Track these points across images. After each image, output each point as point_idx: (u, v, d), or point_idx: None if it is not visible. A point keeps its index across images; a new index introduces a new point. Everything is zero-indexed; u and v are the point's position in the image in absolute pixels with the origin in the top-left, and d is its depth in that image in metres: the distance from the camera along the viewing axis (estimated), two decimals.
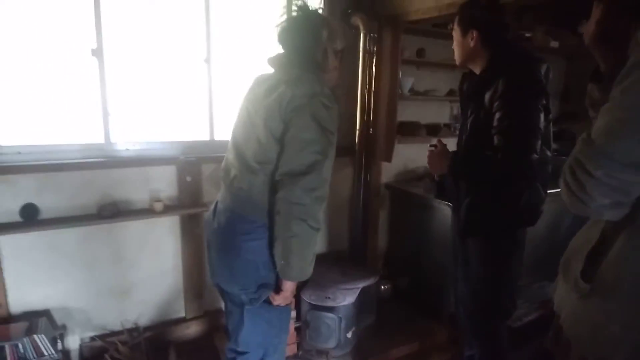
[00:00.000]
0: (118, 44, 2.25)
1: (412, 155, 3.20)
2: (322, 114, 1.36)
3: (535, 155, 1.52)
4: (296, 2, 1.48)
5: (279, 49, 1.52)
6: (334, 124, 1.40)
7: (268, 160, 1.42)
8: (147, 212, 2.32)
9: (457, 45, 1.79)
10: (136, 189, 2.33)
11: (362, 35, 2.68)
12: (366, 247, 3.02)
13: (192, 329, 2.53)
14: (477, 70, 1.77)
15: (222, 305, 2.66)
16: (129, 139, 2.35)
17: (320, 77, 1.43)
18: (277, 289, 1.47)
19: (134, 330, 2.34)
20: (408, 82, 2.88)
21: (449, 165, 1.70)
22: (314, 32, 1.44)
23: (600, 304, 0.83)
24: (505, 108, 1.54)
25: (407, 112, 3.04)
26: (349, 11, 2.72)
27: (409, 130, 2.95)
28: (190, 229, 2.48)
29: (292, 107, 1.36)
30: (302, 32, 1.44)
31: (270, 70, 1.55)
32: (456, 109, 3.33)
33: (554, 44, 3.47)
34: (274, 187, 1.41)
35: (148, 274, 2.42)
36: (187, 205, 2.43)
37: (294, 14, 1.47)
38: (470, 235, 1.82)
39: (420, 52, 2.93)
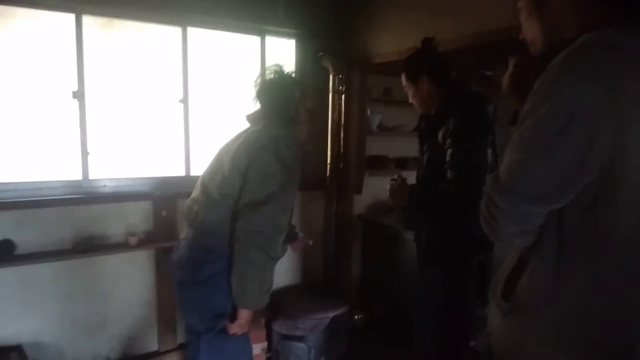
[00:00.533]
0: (98, 85, 2.39)
1: (382, 187, 3.32)
2: (284, 152, 1.52)
3: (484, 188, 1.65)
4: (274, 66, 1.74)
5: (256, 106, 1.73)
6: (295, 163, 1.56)
7: (231, 193, 1.55)
8: (122, 246, 2.38)
9: (413, 96, 1.93)
10: (112, 223, 2.40)
11: (331, 76, 2.86)
12: (339, 277, 3.10)
13: None
14: (433, 111, 1.93)
15: None
16: (106, 176, 2.44)
17: (288, 128, 1.64)
18: (233, 318, 1.54)
19: None
20: (376, 118, 3.06)
21: (408, 198, 1.82)
22: (288, 91, 1.68)
23: (517, 321, 0.93)
24: (456, 145, 1.68)
25: (377, 147, 3.20)
26: (320, 54, 2.91)
27: (378, 164, 3.10)
28: (165, 262, 2.54)
29: (257, 146, 1.53)
30: (277, 91, 1.67)
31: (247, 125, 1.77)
32: None
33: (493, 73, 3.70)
34: (235, 218, 1.52)
35: (122, 308, 2.46)
36: (162, 239, 2.50)
37: (271, 75, 1.72)
38: (428, 264, 1.93)
39: (387, 91, 3.12)
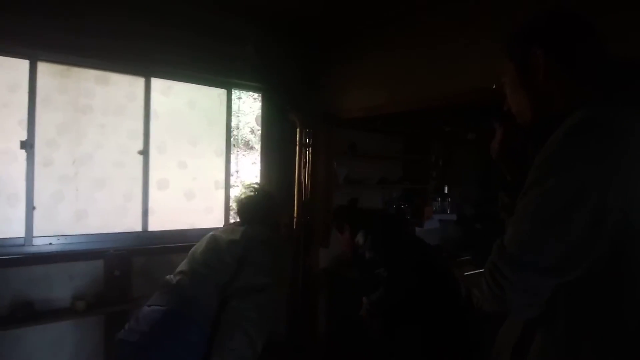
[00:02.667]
0: (49, 134, 2.22)
1: None
2: (279, 252, 1.70)
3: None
4: (253, 184, 2.03)
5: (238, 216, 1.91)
6: (287, 265, 1.63)
7: (222, 270, 1.55)
8: (67, 312, 2.13)
9: (345, 243, 2.32)
10: (57, 286, 2.16)
11: (298, 130, 2.86)
12: (307, 334, 2.95)
13: None
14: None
15: None
16: (53, 232, 2.22)
17: (271, 231, 1.80)
18: None
19: None
20: (342, 171, 3.06)
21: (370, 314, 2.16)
22: (265, 207, 1.87)
23: None
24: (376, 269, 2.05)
25: (343, 200, 3.18)
26: (287, 107, 2.91)
27: None
28: (116, 328, 2.28)
29: (256, 240, 1.64)
30: (258, 206, 1.86)
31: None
32: (387, 195, 3.55)
33: (471, 135, 3.89)
34: (223, 299, 1.46)
35: None
36: (113, 302, 2.27)
37: (251, 193, 1.93)
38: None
39: (352, 147, 3.16)
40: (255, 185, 2.03)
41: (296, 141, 2.88)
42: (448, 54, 2.19)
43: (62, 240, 2.23)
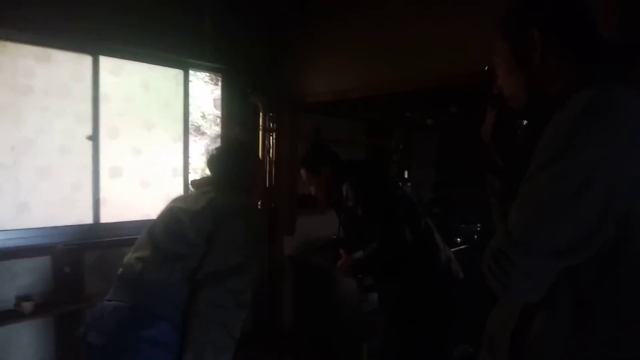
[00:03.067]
0: None
1: (314, 226, 3.24)
2: (253, 223, 1.41)
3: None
4: (229, 133, 1.68)
5: (208, 171, 1.59)
6: (263, 236, 1.47)
7: (189, 255, 1.34)
8: (11, 315, 1.93)
9: (320, 188, 2.02)
10: None
11: (261, 114, 2.75)
12: (272, 326, 2.89)
13: None
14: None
15: None
16: None
17: (246, 197, 1.52)
18: None
19: None
20: None
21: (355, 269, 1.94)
22: (243, 161, 1.58)
23: None
24: (370, 224, 1.82)
25: (304, 185, 3.12)
26: (248, 90, 2.79)
27: (311, 203, 3.01)
28: (69, 330, 2.12)
29: (226, 212, 1.39)
30: (232, 160, 1.56)
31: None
32: None
33: (429, 121, 3.96)
34: (192, 288, 1.31)
35: None
36: (64, 301, 2.09)
37: (225, 143, 1.68)
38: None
39: (317, 131, 3.09)
40: (231, 137, 1.78)
41: (259, 126, 2.77)
42: (417, 37, 2.17)
43: (2, 236, 2.00)
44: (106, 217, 2.35)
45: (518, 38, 0.92)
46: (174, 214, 1.47)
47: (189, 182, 1.67)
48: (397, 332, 1.90)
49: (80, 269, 2.17)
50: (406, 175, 3.95)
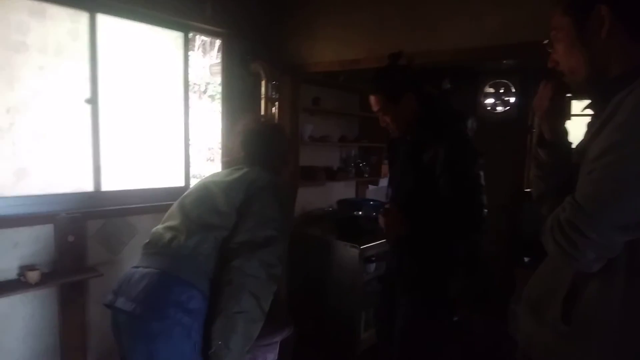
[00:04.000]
0: None
1: (310, 198, 3.26)
2: (283, 199, 1.45)
3: (485, 210, 1.64)
4: (261, 116, 1.79)
5: (240, 150, 1.63)
6: (292, 212, 1.52)
7: (222, 225, 1.36)
8: (15, 284, 1.85)
9: (394, 116, 1.75)
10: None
11: (263, 82, 2.69)
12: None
13: None
14: (409, 132, 1.78)
15: None
16: None
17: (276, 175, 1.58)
18: None
19: None
20: (307, 128, 2.97)
21: (407, 228, 1.70)
22: (276, 144, 1.64)
23: (579, 343, 0.94)
24: (452, 177, 1.62)
25: (306, 157, 3.11)
26: (249, 57, 2.71)
27: (310, 175, 3.02)
28: (73, 299, 2.06)
29: (257, 185, 1.43)
30: (265, 143, 1.61)
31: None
32: (345, 153, 3.55)
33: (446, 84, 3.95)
34: (225, 257, 1.31)
35: None
36: (69, 271, 2.02)
37: (260, 125, 1.69)
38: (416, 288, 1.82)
39: (316, 101, 3.06)
40: (266, 119, 1.80)
41: (260, 94, 2.71)
42: (430, 8, 2.17)
43: (1, 203, 1.90)
44: (107, 185, 2.26)
45: (584, 14, 0.94)
46: (206, 186, 1.49)
47: (221, 162, 1.68)
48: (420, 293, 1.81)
49: (84, 238, 2.10)
50: None
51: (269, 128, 1.70)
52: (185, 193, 1.54)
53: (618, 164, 0.82)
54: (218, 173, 1.60)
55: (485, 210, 1.65)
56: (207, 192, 1.46)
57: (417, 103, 1.73)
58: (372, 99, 1.76)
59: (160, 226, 1.46)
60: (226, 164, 1.63)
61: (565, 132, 1.06)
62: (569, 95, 1.05)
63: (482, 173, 1.67)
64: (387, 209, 1.76)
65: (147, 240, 1.44)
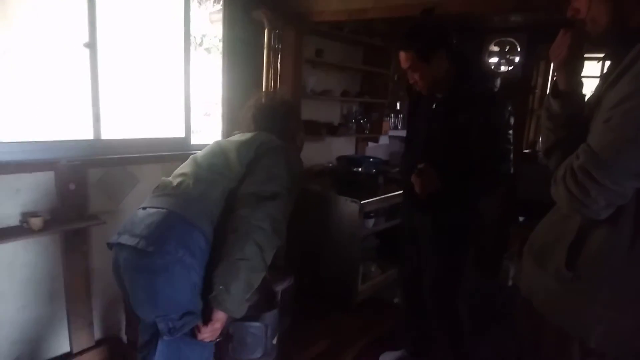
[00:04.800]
0: None
1: (310, 153, 3.23)
2: (293, 162, 1.47)
3: (511, 168, 1.72)
4: (269, 92, 1.77)
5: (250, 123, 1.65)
6: (298, 179, 1.50)
7: (231, 175, 1.40)
8: (18, 230, 1.85)
9: (424, 74, 1.71)
10: (1, 202, 1.84)
11: (266, 31, 2.59)
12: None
13: None
14: (441, 91, 1.77)
15: (119, 330, 2.32)
16: None
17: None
18: (206, 320, 1.29)
19: None
20: (310, 81, 2.91)
21: (441, 187, 1.73)
22: (286, 119, 1.65)
23: (583, 288, 0.97)
24: (488, 136, 1.67)
25: (307, 112, 3.07)
26: (252, 4, 2.60)
27: (311, 129, 2.98)
28: (75, 246, 2.07)
29: (267, 147, 1.46)
30: (278, 118, 1.63)
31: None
32: (346, 108, 3.50)
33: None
34: (231, 206, 1.33)
35: (21, 307, 1.94)
36: (71, 218, 2.01)
37: (271, 101, 1.70)
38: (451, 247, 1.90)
39: (319, 53, 2.98)
40: (277, 95, 1.83)
41: (264, 44, 2.62)
42: None
43: (0, 149, 1.86)
44: (107, 134, 2.21)
45: None
46: (218, 143, 1.54)
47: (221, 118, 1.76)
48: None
49: (85, 187, 2.08)
50: (398, 107, 3.96)
51: (281, 104, 1.69)
52: (198, 153, 1.56)
53: (635, 111, 0.81)
54: (232, 135, 1.62)
55: (512, 170, 1.72)
56: (219, 147, 1.50)
57: (449, 61, 1.69)
58: (402, 55, 1.72)
59: (175, 172, 1.49)
60: (236, 133, 1.65)
61: (580, 84, 1.04)
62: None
63: (511, 132, 1.71)
64: (421, 169, 1.75)
65: (156, 186, 1.44)
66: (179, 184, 1.37)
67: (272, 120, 1.62)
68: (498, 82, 1.82)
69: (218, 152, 1.48)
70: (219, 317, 1.28)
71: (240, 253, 1.25)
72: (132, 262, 1.28)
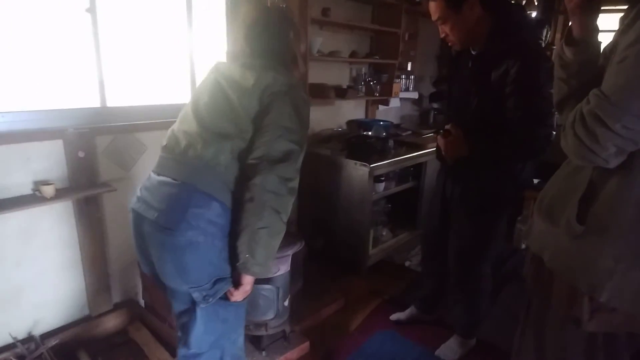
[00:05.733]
0: None
1: (319, 118, 3.19)
2: (301, 106, 1.32)
3: (554, 133, 1.55)
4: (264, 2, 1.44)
5: (244, 45, 1.43)
6: (308, 120, 1.37)
7: (239, 136, 1.30)
8: (31, 199, 1.87)
9: (454, 28, 1.58)
10: (12, 171, 1.86)
11: None
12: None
13: (102, 327, 2.20)
14: (476, 47, 1.64)
15: (136, 294, 2.39)
16: None
17: (290, 74, 1.40)
18: (236, 283, 1.32)
19: (29, 341, 1.93)
20: (316, 42, 2.82)
21: (469, 150, 1.66)
22: (286, 31, 1.42)
23: (594, 242, 0.95)
24: (523, 95, 1.51)
25: (314, 74, 2.99)
26: None
27: (319, 93, 2.92)
28: (88, 213, 2.10)
29: (272, 92, 1.30)
30: (275, 31, 1.41)
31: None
32: (355, 70, 3.41)
33: None
34: (245, 172, 1.28)
35: (38, 273, 2.00)
36: (82, 186, 2.04)
37: (265, 11, 1.45)
38: (480, 211, 1.83)
39: (325, 12, 2.87)
40: (271, 3, 1.53)
41: (266, 3, 2.53)
42: None
43: (7, 118, 1.86)
44: (112, 101, 2.20)
45: None
46: (220, 86, 1.37)
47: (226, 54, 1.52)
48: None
49: (94, 154, 2.08)
50: (409, 68, 3.84)
51: (275, 17, 1.43)
52: (198, 90, 1.44)
53: None
54: (230, 69, 1.40)
55: (554, 133, 1.53)
56: (222, 96, 1.35)
57: (483, 9, 1.54)
58: (432, 5, 1.60)
59: (177, 127, 1.41)
60: (231, 55, 1.48)
61: (595, 30, 0.98)
62: None
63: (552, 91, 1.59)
64: (447, 130, 1.69)
65: (165, 144, 1.40)
66: (187, 148, 1.32)
67: (269, 39, 1.39)
68: (546, 31, 1.61)
69: (221, 104, 1.34)
70: (248, 281, 1.31)
71: (260, 222, 1.24)
72: (157, 238, 1.28)
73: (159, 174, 1.34)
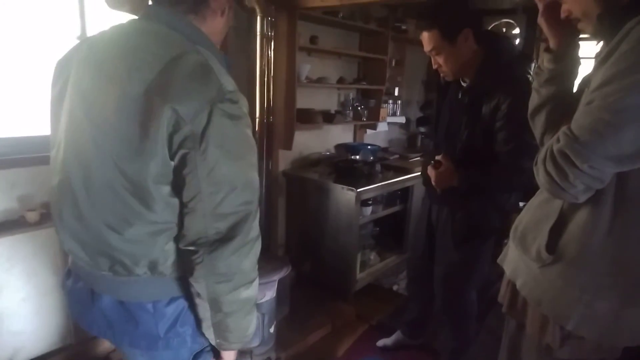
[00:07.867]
0: None
1: (307, 142, 3.23)
2: (237, 110, 0.86)
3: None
4: None
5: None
6: (250, 138, 0.91)
7: (153, 224, 0.90)
8: (15, 224, 1.87)
9: (449, 57, 1.59)
10: None
11: (258, 18, 2.56)
12: (270, 238, 2.97)
13: (86, 356, 2.16)
14: (466, 77, 1.67)
15: None
16: None
17: (204, 32, 0.97)
18: (217, 354, 1.08)
19: None
20: (305, 68, 2.88)
21: (459, 182, 1.69)
22: None
23: (561, 272, 0.97)
24: (514, 129, 1.52)
25: (302, 100, 3.04)
26: None
27: (306, 117, 2.97)
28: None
29: (182, 137, 0.81)
30: None
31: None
32: (343, 96, 3.47)
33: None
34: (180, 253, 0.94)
35: (21, 299, 1.98)
36: None
37: None
38: (469, 239, 1.85)
39: (313, 39, 2.94)
40: None
41: (256, 32, 2.59)
42: None
43: None
44: None
45: None
46: (89, 152, 0.89)
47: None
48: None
49: None
50: (396, 93, 3.92)
51: None
52: (62, 154, 0.98)
53: (617, 94, 0.79)
54: (93, 75, 0.91)
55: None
56: (116, 118, 0.84)
57: (476, 42, 1.58)
58: (425, 36, 1.61)
59: (56, 208, 1.03)
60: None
61: (571, 44, 1.03)
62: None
63: None
64: (438, 162, 1.71)
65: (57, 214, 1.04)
66: (89, 265, 0.98)
67: None
68: (533, 66, 1.63)
69: (119, 132, 0.85)
70: (229, 356, 1.08)
71: (219, 314, 0.95)
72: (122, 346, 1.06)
73: (69, 276, 1.11)
